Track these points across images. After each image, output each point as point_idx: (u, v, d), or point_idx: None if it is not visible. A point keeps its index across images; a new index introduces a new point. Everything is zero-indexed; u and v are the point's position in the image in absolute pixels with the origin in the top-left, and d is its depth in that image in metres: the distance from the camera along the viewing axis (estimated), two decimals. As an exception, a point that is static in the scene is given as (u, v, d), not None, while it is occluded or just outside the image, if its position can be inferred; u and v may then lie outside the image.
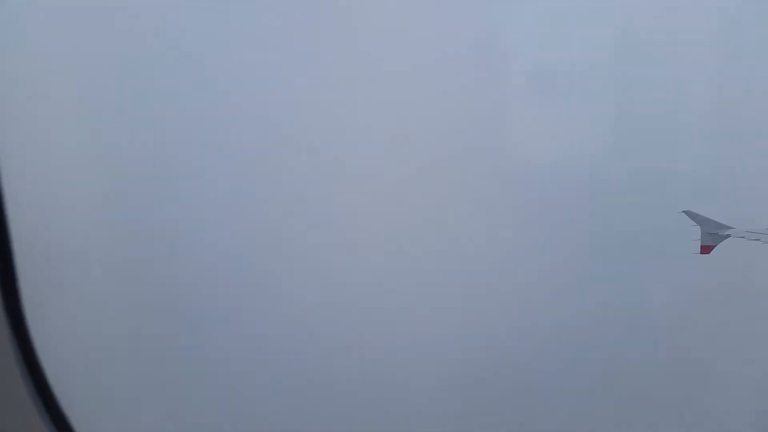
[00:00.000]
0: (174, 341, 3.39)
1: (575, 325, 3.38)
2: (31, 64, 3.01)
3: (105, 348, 3.36)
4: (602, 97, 3.33)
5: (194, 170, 3.27)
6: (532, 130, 3.34)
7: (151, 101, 3.16)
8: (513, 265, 3.36)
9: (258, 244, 3.37)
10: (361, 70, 3.22)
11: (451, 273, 3.35)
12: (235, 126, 3.20)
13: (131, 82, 3.14)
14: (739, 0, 3.18)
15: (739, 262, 3.28)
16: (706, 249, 3.22)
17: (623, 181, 3.31)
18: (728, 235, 3.18)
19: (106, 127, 3.19)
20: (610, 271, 3.39)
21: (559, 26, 3.21)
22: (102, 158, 3.23)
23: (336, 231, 3.34)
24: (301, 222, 3.32)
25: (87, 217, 3.27)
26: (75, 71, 3.09)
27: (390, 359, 3.41)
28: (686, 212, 3.25)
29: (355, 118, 3.25)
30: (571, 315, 3.36)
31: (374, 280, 3.33)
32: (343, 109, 3.23)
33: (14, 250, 2.07)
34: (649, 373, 3.37)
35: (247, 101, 3.21)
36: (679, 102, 3.31)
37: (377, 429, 3.35)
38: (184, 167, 3.25)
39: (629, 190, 3.32)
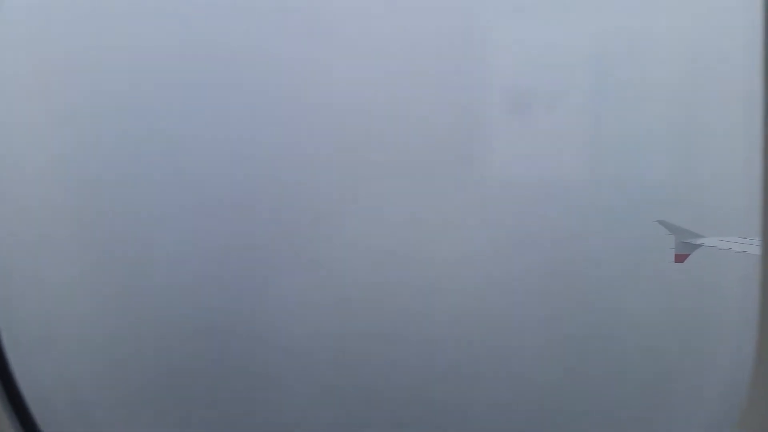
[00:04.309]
0: (165, 344, 3.34)
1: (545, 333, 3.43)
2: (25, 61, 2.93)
3: (83, 351, 3.28)
4: (577, 111, 3.41)
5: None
6: (513, 145, 3.41)
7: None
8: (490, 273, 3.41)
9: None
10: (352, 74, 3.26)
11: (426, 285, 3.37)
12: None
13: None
14: (715, 22, 3.31)
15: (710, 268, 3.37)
16: (680, 257, 3.31)
17: (598, 191, 3.35)
18: (701, 244, 3.28)
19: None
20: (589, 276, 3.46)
21: (537, 47, 3.30)
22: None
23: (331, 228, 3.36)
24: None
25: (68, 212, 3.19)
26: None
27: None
28: (660, 222, 3.33)
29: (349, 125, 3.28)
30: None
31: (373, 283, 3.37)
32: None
33: None
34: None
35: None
36: (653, 113, 3.39)
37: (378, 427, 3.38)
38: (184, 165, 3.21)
39: (604, 199, 3.36)
